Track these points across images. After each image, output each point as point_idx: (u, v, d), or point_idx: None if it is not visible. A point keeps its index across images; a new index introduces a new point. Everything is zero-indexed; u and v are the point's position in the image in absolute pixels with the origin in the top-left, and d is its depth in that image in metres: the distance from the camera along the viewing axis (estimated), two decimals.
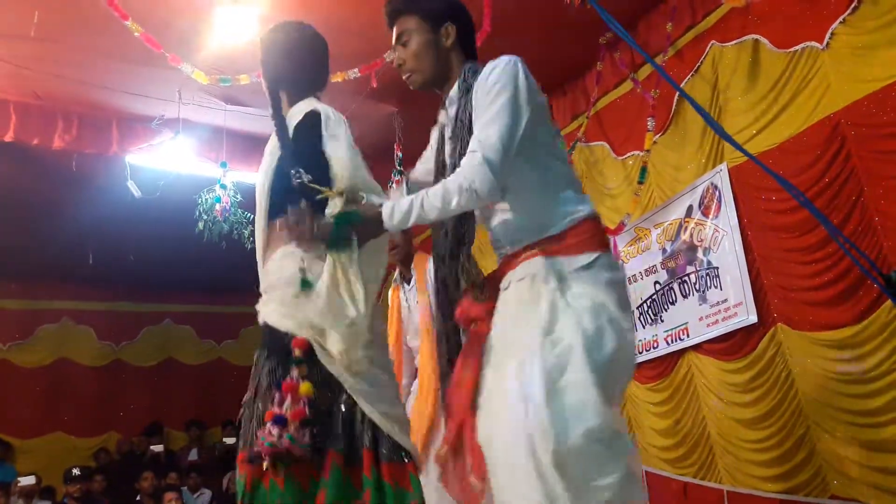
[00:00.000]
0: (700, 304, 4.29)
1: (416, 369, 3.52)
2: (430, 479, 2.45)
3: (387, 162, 5.29)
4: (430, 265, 3.75)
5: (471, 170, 1.74)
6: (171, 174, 5.59)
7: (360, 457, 1.84)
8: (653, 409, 4.64)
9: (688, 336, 4.34)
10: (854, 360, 3.41)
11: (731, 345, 4.08)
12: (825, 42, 3.54)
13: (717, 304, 4.17)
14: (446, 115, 2.02)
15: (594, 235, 1.83)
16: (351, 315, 1.84)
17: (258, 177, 2.11)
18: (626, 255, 4.87)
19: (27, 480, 6.57)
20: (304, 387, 1.80)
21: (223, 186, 5.43)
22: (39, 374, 8.65)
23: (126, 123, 5.44)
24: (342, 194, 1.88)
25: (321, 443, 1.81)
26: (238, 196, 5.43)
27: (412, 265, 3.54)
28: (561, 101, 5.41)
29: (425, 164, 2.17)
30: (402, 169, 5.34)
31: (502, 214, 1.89)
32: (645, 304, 4.71)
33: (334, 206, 1.87)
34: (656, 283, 4.65)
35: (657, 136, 4.55)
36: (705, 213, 4.28)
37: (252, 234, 5.41)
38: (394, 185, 5.19)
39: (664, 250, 4.60)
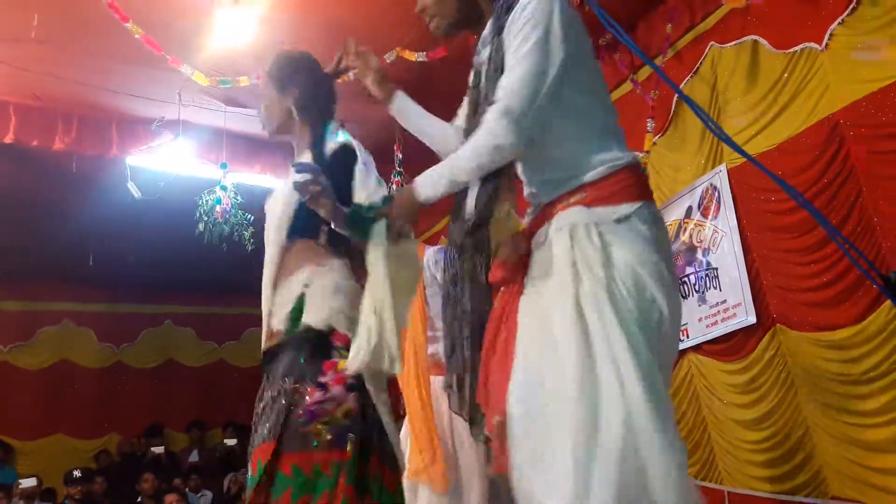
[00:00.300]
0: (699, 305, 4.29)
1: None
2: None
3: (387, 163, 5.30)
4: (429, 256, 3.75)
5: (494, 124, 1.62)
6: (172, 176, 5.60)
7: (369, 454, 1.90)
8: None
9: (687, 337, 4.34)
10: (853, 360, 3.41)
11: (730, 346, 4.09)
12: (824, 43, 3.54)
13: (717, 304, 4.17)
14: (478, 60, 1.85)
15: (636, 184, 1.67)
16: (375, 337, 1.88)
17: (279, 194, 2.17)
18: None
19: (28, 482, 6.59)
20: (342, 363, 1.89)
21: (223, 188, 5.45)
22: (40, 376, 8.67)
23: (126, 125, 5.45)
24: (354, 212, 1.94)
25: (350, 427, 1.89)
26: (238, 197, 5.44)
27: None
28: None
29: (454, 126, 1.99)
30: (402, 170, 5.36)
31: (539, 165, 1.74)
32: None
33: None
34: None
35: (656, 137, 4.56)
36: (704, 214, 4.29)
37: (252, 235, 5.46)
38: (394, 185, 5.23)
39: None
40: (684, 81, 4.36)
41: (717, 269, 4.20)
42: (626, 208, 1.62)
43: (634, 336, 1.50)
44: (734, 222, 4.07)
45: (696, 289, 4.33)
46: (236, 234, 5.46)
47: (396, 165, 5.38)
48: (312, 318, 1.97)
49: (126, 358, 9.30)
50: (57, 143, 5.21)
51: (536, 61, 1.61)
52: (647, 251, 1.59)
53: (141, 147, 5.43)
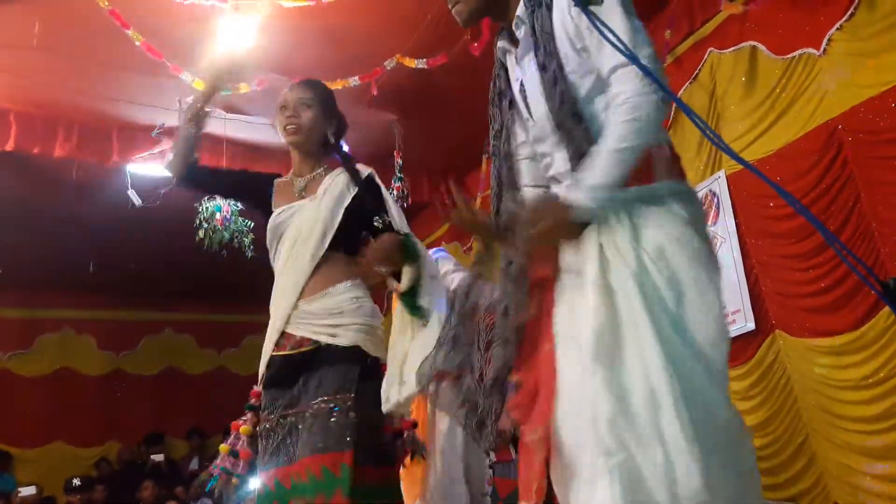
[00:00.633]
0: None
1: None
2: None
3: (387, 169, 5.30)
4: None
5: (643, 90, 1.47)
6: (172, 183, 5.59)
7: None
8: None
9: None
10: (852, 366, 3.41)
11: (729, 352, 4.07)
12: (822, 48, 3.56)
13: None
14: (507, 42, 1.73)
15: (668, 162, 1.55)
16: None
17: (314, 210, 2.34)
18: None
19: (28, 491, 6.59)
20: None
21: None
22: (40, 383, 8.64)
23: (127, 132, 5.45)
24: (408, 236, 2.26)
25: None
26: (238, 205, 5.44)
27: None
28: None
29: None
30: (402, 176, 5.36)
31: (566, 145, 1.57)
32: None
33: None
34: None
35: None
36: None
37: (253, 242, 5.47)
38: (394, 191, 5.24)
39: None
40: (683, 88, 4.37)
41: None
42: (658, 187, 1.51)
43: (665, 332, 1.39)
44: (733, 228, 4.07)
45: None
46: (236, 241, 5.46)
47: (396, 172, 5.39)
48: (371, 346, 2.23)
49: (126, 365, 9.28)
50: (57, 151, 5.21)
51: (635, 20, 1.57)
52: (684, 230, 1.46)
53: (141, 154, 5.43)
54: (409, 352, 2.12)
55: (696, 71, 4.33)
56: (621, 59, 1.47)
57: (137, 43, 4.05)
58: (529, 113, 1.67)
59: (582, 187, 1.47)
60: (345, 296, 2.25)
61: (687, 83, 4.37)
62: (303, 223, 2.31)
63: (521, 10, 1.67)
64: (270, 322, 2.31)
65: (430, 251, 3.84)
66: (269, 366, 2.26)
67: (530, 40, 1.63)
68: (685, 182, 1.59)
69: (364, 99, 4.77)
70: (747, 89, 3.98)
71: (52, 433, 8.49)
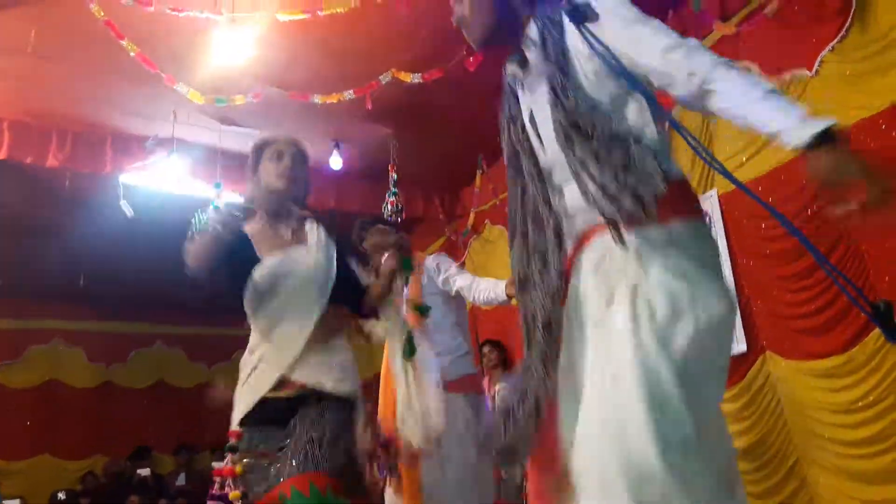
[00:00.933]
0: None
1: None
2: None
3: (381, 183, 5.30)
4: (429, 263, 3.73)
5: (723, 62, 1.49)
6: (165, 194, 5.58)
7: None
8: None
9: None
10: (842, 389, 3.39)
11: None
12: (814, 69, 3.58)
13: None
14: (517, 66, 1.72)
15: (682, 199, 1.55)
16: None
17: (310, 257, 2.43)
18: None
19: None
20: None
21: (217, 207, 5.41)
22: (28, 395, 8.57)
23: (120, 142, 5.44)
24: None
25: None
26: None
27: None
28: None
29: None
30: (396, 191, 5.35)
31: (577, 182, 1.54)
32: None
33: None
34: None
35: None
36: None
37: None
38: (388, 205, 5.23)
39: None
40: (677, 106, 4.37)
41: None
42: (674, 227, 1.49)
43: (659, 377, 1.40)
44: (725, 249, 4.06)
45: None
46: None
47: (391, 186, 5.38)
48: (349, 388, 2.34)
49: (116, 378, 9.21)
50: (50, 160, 5.20)
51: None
52: (698, 272, 1.46)
53: (135, 165, 5.42)
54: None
55: None
56: (671, 38, 1.50)
57: (132, 54, 4.06)
58: (541, 142, 1.66)
59: (805, 124, 1.36)
60: (341, 343, 2.40)
61: None
62: (308, 271, 2.38)
63: (532, 30, 1.67)
64: (265, 366, 2.36)
65: (430, 256, 3.86)
66: (260, 405, 2.26)
67: (542, 66, 1.62)
68: (702, 218, 1.61)
69: (359, 113, 4.78)
70: None
71: (39, 445, 8.42)
